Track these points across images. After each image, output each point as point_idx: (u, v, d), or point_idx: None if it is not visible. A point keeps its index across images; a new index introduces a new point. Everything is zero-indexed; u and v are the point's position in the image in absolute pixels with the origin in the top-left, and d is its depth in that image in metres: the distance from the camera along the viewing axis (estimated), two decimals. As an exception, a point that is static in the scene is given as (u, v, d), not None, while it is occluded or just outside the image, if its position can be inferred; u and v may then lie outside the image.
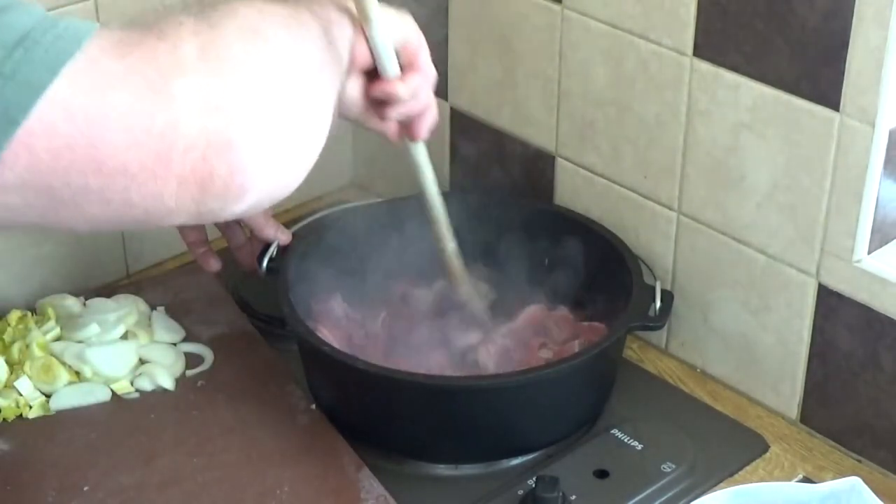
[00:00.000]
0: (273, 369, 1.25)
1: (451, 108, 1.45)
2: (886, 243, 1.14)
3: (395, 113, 1.05)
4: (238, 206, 0.78)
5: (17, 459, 1.15)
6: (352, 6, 0.98)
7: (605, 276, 1.26)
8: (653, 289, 1.21)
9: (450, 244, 1.21)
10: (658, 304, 1.20)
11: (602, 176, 1.32)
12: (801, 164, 1.13)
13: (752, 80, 1.14)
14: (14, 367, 1.23)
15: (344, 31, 0.96)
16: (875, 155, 1.08)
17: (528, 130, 1.38)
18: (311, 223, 1.30)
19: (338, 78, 0.92)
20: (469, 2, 1.38)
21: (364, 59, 1.00)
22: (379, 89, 1.03)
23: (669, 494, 1.12)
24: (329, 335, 1.19)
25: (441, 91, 1.44)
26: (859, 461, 1.19)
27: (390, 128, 1.09)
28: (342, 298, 1.26)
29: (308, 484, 1.12)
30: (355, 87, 1.03)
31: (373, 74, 1.03)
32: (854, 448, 1.19)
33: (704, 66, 1.18)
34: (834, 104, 1.09)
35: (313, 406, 1.20)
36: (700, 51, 1.18)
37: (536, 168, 1.37)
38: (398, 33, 1.02)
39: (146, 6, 1.30)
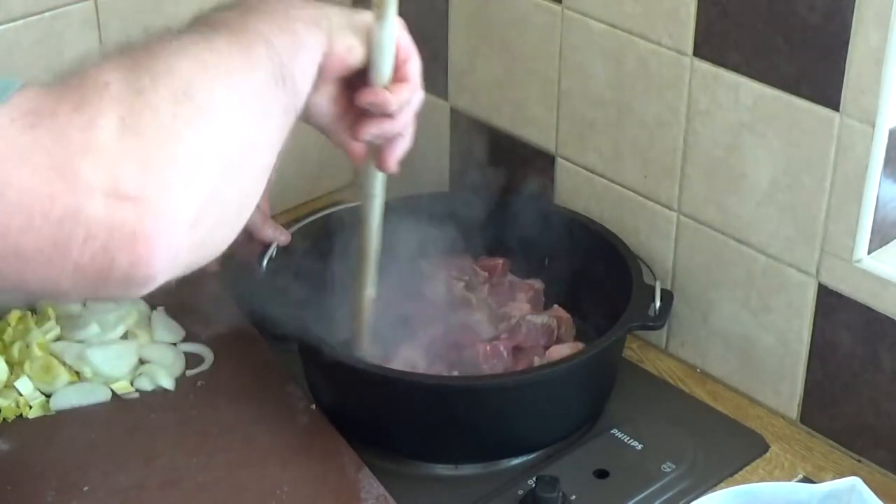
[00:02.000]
0: (273, 369, 1.25)
1: (451, 108, 1.45)
2: (886, 243, 1.14)
3: (376, 130, 0.95)
4: (141, 292, 0.73)
5: (17, 459, 1.15)
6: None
7: (605, 276, 1.26)
8: (653, 289, 1.21)
9: (371, 290, 1.14)
10: (658, 303, 1.20)
11: (602, 176, 1.32)
12: (801, 164, 1.13)
13: (752, 80, 1.14)
14: (14, 367, 1.23)
15: (309, 54, 0.86)
16: (875, 155, 1.08)
17: (528, 130, 1.38)
18: (310, 223, 1.30)
19: (285, 120, 0.83)
20: (469, 2, 1.38)
21: (340, 65, 0.89)
22: (367, 99, 0.92)
23: (669, 494, 1.12)
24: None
25: (441, 91, 1.44)
26: (859, 461, 1.19)
27: (357, 147, 0.98)
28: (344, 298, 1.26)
29: (308, 484, 1.12)
30: (324, 96, 0.93)
31: (348, 82, 0.92)
32: (854, 448, 1.19)
33: (704, 66, 1.18)
34: (834, 104, 1.09)
35: (313, 406, 1.20)
36: (700, 51, 1.18)
37: (536, 168, 1.37)
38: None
39: (145, 6, 1.33)
